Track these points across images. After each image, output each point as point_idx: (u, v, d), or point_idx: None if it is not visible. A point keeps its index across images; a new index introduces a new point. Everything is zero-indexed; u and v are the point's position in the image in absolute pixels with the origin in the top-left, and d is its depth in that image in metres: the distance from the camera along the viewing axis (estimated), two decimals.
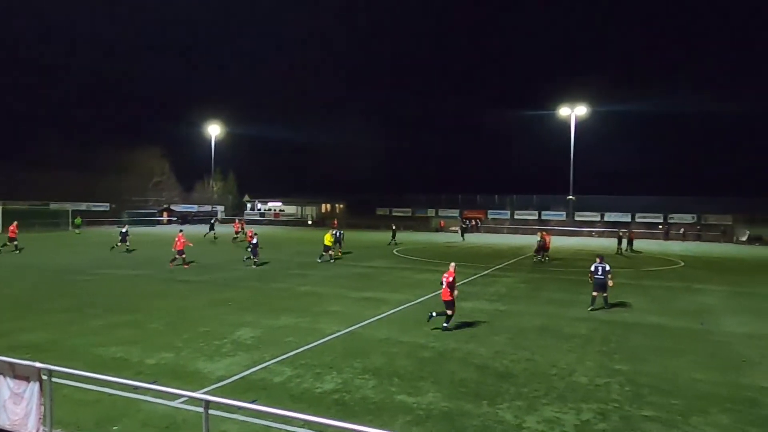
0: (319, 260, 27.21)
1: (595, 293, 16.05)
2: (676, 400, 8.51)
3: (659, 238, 56.08)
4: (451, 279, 12.94)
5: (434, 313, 13.07)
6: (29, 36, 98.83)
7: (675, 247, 44.96)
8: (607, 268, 15.98)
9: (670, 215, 64.14)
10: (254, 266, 24.62)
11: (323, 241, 27.75)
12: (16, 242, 29.40)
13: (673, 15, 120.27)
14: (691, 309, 16.48)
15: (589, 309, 15.82)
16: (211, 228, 44.50)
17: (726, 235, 58.01)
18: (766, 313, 16.24)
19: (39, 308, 14.66)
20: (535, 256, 30.90)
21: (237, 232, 40.55)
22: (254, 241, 25.77)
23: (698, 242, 55.61)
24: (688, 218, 63.11)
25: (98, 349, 10.76)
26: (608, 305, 16.11)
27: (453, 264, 13.47)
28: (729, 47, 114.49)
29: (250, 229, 33.04)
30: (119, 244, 30.96)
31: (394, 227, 43.54)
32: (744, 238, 56.67)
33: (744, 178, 75.78)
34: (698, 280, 23.44)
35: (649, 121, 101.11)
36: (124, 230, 31.91)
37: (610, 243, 41.84)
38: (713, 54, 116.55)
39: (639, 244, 43.09)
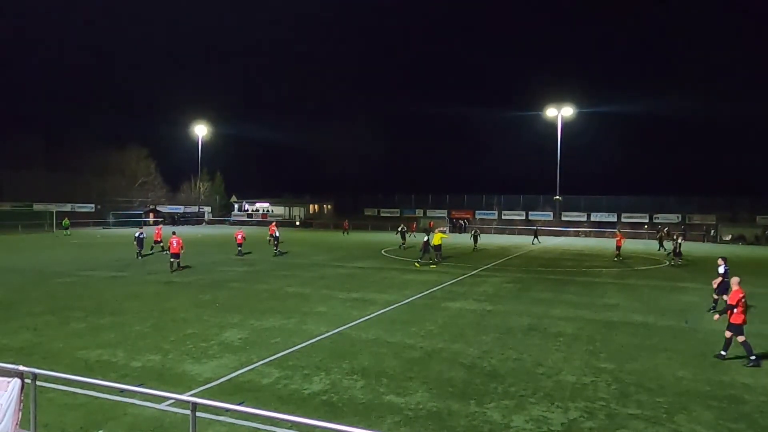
0: (437, 260, 28.22)
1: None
2: (661, 398, 8.60)
3: (644, 238, 56.69)
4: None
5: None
6: (9, 35, 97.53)
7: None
8: (722, 270, 15.73)
9: (655, 215, 64.92)
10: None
11: (432, 241, 28.47)
12: (162, 243, 30.57)
13: (662, 16, 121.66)
14: (676, 308, 16.66)
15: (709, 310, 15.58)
16: (476, 239, 39.67)
17: (709, 235, 58.78)
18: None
19: (21, 311, 14.42)
20: (616, 256, 33.99)
21: (272, 233, 41.41)
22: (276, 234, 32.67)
23: (683, 241, 56.18)
24: (672, 218, 63.92)
25: (82, 351, 10.62)
26: (716, 308, 15.15)
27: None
28: (714, 50, 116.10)
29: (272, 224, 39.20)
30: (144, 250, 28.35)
31: (474, 231, 41.28)
32: (728, 238, 57.49)
33: (727, 179, 76.95)
34: (683, 279, 23.70)
35: (634, 122, 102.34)
36: (138, 234, 28.21)
37: (596, 243, 42.02)
38: (698, 57, 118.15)
39: (626, 244, 42.36)
